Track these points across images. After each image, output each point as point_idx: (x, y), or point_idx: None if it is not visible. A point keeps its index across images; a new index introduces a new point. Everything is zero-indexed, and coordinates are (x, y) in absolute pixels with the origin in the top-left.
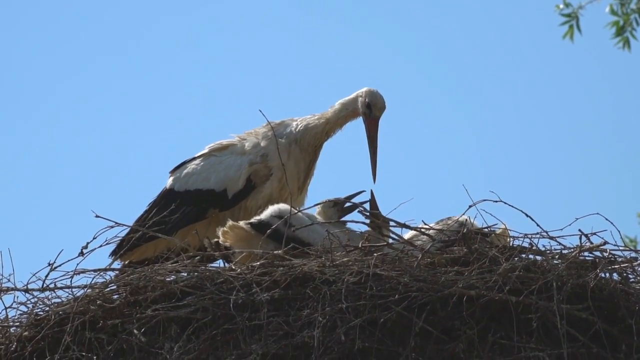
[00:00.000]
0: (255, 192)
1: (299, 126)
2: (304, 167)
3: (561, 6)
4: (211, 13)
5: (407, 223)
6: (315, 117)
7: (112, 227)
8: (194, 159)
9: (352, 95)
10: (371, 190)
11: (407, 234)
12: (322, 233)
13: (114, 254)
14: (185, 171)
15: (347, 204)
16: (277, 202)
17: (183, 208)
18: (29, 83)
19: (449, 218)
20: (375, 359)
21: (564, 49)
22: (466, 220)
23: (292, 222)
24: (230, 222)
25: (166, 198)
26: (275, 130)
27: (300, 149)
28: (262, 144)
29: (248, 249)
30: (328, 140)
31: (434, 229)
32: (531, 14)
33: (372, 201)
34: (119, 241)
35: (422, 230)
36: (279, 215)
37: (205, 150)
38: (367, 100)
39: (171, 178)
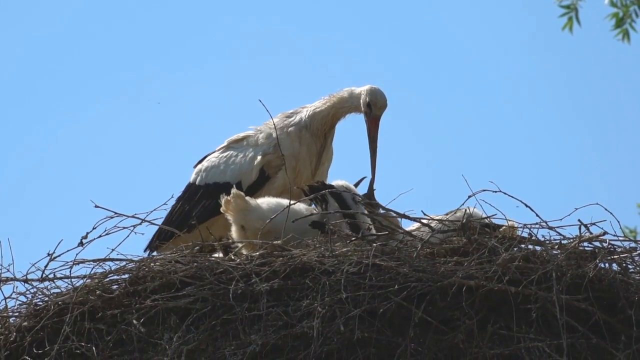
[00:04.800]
0: (269, 183)
1: (308, 112)
2: (316, 153)
3: None
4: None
5: (406, 214)
6: (323, 101)
7: (111, 217)
8: (214, 152)
9: (358, 90)
10: (371, 182)
11: (413, 226)
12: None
13: (150, 247)
14: (205, 164)
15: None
16: None
17: (203, 202)
18: (32, 79)
19: (457, 210)
20: (375, 349)
21: (563, 41)
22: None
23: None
24: (235, 191)
25: (189, 192)
26: (288, 118)
27: (311, 134)
28: (275, 134)
29: (247, 221)
30: (340, 125)
31: (434, 219)
32: (530, 6)
33: (371, 192)
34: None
35: (426, 221)
36: (347, 189)
37: (224, 144)
38: (367, 99)
39: (194, 172)
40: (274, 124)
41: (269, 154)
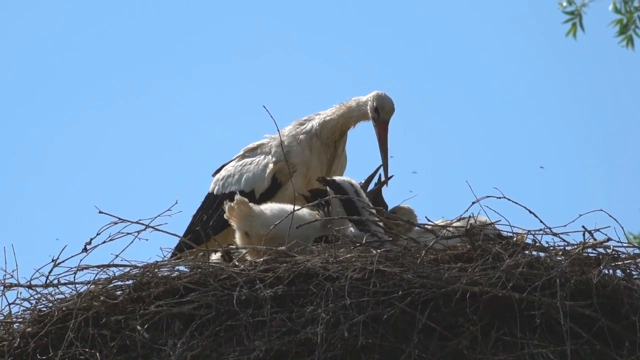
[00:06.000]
0: (281, 191)
1: (319, 120)
2: (327, 161)
3: (564, 4)
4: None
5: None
6: (333, 110)
7: (115, 223)
8: (231, 161)
9: (364, 98)
10: (379, 188)
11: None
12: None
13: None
14: (222, 174)
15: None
16: None
17: (219, 211)
18: (32, 82)
19: (468, 218)
20: (379, 355)
21: (567, 47)
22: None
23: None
24: (238, 197)
25: (208, 202)
26: (300, 125)
27: (321, 142)
28: (287, 142)
29: (251, 228)
30: (353, 130)
31: (438, 225)
32: (534, 12)
33: (379, 193)
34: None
35: (429, 227)
36: (350, 183)
37: (240, 152)
38: (374, 104)
39: (212, 181)
40: (279, 132)
41: (281, 161)
